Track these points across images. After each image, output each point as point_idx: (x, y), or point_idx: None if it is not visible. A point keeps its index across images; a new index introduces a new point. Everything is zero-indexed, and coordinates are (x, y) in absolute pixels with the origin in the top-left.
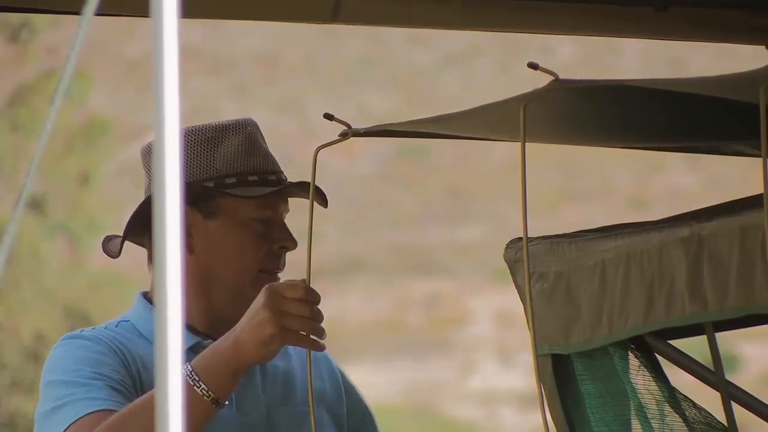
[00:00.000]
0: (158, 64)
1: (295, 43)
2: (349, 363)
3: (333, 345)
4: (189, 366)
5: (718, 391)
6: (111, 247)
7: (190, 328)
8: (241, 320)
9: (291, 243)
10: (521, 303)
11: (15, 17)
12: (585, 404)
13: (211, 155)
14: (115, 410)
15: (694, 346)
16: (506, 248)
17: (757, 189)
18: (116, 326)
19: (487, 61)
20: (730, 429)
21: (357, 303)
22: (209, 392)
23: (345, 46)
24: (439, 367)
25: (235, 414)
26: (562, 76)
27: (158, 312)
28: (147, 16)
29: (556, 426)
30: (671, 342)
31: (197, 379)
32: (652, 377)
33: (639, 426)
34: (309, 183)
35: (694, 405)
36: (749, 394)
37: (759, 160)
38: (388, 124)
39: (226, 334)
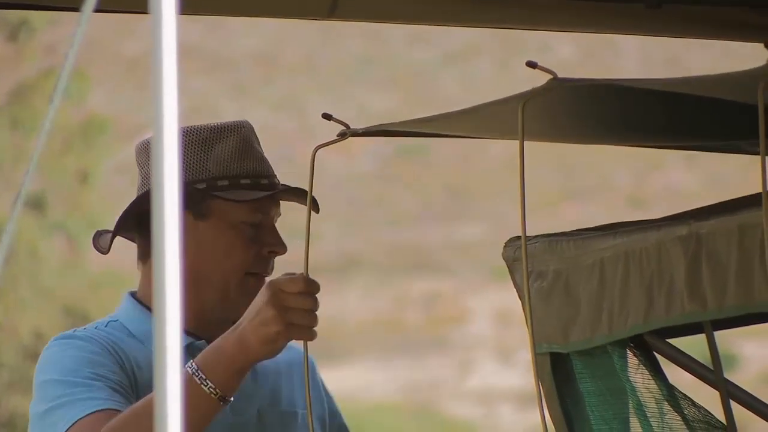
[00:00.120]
0: (157, 62)
1: (295, 42)
2: (348, 362)
3: (332, 344)
4: (194, 365)
5: (717, 389)
6: (101, 243)
7: None
8: (243, 318)
9: (280, 247)
10: (520, 302)
11: (14, 16)
12: (584, 402)
13: (205, 157)
14: (116, 409)
15: (693, 345)
16: (505, 247)
17: (756, 188)
18: (106, 326)
19: (487, 60)
20: (729, 428)
21: (356, 302)
22: (216, 390)
23: (344, 45)
24: (437, 365)
25: (227, 413)
26: (560, 75)
27: (157, 313)
28: (146, 12)
29: (554, 424)
30: (670, 341)
31: (204, 377)
32: (651, 376)
33: (638, 424)
34: (301, 189)
35: (693, 403)
36: (748, 392)
37: (758, 159)
38: (387, 124)
39: (228, 332)
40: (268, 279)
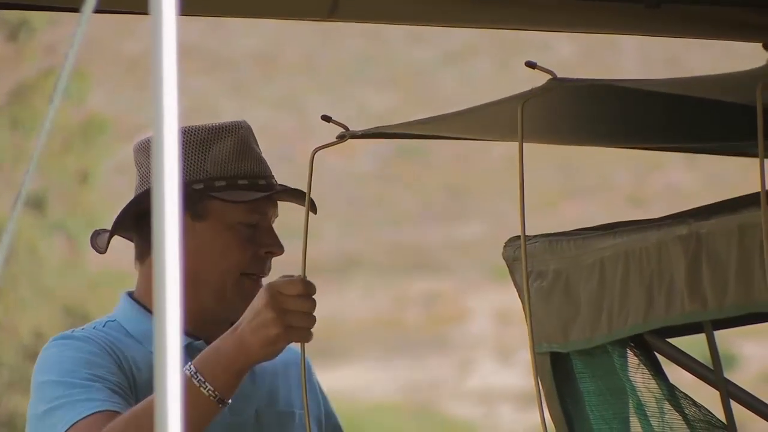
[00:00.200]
0: (157, 62)
1: (294, 42)
2: (348, 361)
3: (332, 343)
4: (193, 367)
5: (717, 389)
6: (99, 242)
7: None
8: (241, 320)
9: (277, 248)
10: (520, 301)
11: (14, 15)
12: (584, 402)
13: (203, 157)
14: (115, 411)
15: (693, 345)
16: (505, 246)
17: (756, 187)
18: (104, 326)
19: (486, 60)
20: (729, 427)
21: (355, 301)
22: (215, 392)
23: (344, 45)
24: (437, 365)
25: (225, 414)
26: (560, 75)
27: (157, 313)
28: (146, 13)
29: (555, 424)
30: (670, 340)
31: (203, 380)
32: (652, 375)
33: (638, 424)
34: (298, 189)
35: (694, 403)
36: (748, 392)
37: (757, 159)
38: (386, 126)
39: (227, 334)
40: (264, 280)
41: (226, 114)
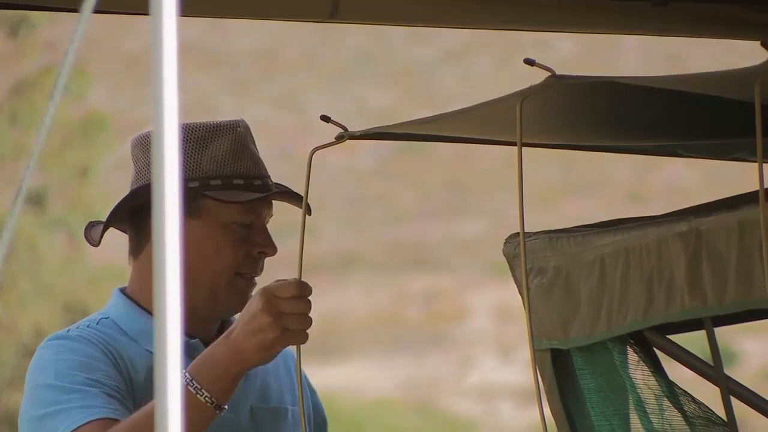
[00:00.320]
0: (157, 60)
1: (294, 39)
2: (348, 358)
3: (332, 341)
4: (188, 375)
5: (717, 386)
6: (93, 234)
7: None
8: (235, 324)
9: (270, 249)
10: (520, 298)
11: (13, 12)
12: (585, 399)
13: (199, 155)
14: (112, 418)
15: (693, 341)
16: (505, 243)
17: (755, 185)
18: (97, 324)
19: (486, 57)
20: (730, 424)
21: (355, 298)
22: (212, 399)
23: (344, 42)
24: (437, 362)
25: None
26: (559, 72)
27: (157, 313)
28: (146, 14)
29: (555, 420)
30: (670, 337)
31: (199, 387)
32: (651, 372)
33: (638, 420)
34: (293, 191)
35: (694, 400)
36: (748, 389)
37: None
38: (385, 126)
39: (221, 339)
40: (257, 280)
41: (226, 111)
